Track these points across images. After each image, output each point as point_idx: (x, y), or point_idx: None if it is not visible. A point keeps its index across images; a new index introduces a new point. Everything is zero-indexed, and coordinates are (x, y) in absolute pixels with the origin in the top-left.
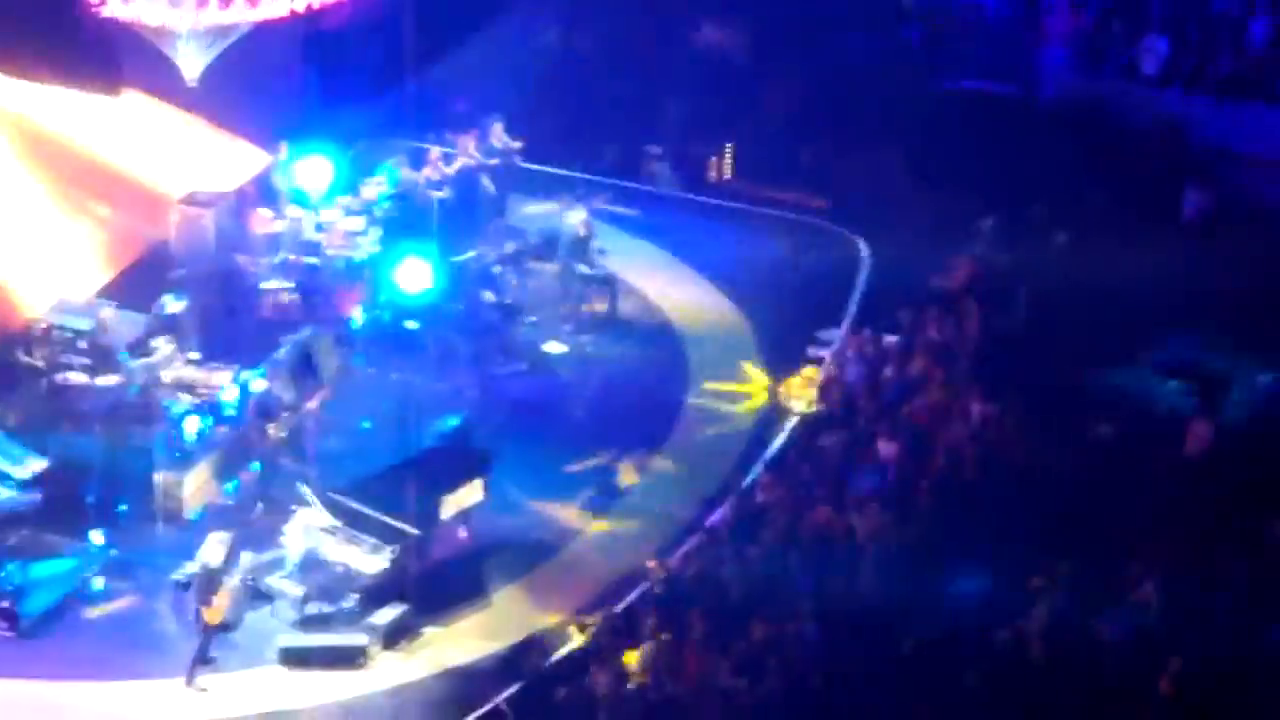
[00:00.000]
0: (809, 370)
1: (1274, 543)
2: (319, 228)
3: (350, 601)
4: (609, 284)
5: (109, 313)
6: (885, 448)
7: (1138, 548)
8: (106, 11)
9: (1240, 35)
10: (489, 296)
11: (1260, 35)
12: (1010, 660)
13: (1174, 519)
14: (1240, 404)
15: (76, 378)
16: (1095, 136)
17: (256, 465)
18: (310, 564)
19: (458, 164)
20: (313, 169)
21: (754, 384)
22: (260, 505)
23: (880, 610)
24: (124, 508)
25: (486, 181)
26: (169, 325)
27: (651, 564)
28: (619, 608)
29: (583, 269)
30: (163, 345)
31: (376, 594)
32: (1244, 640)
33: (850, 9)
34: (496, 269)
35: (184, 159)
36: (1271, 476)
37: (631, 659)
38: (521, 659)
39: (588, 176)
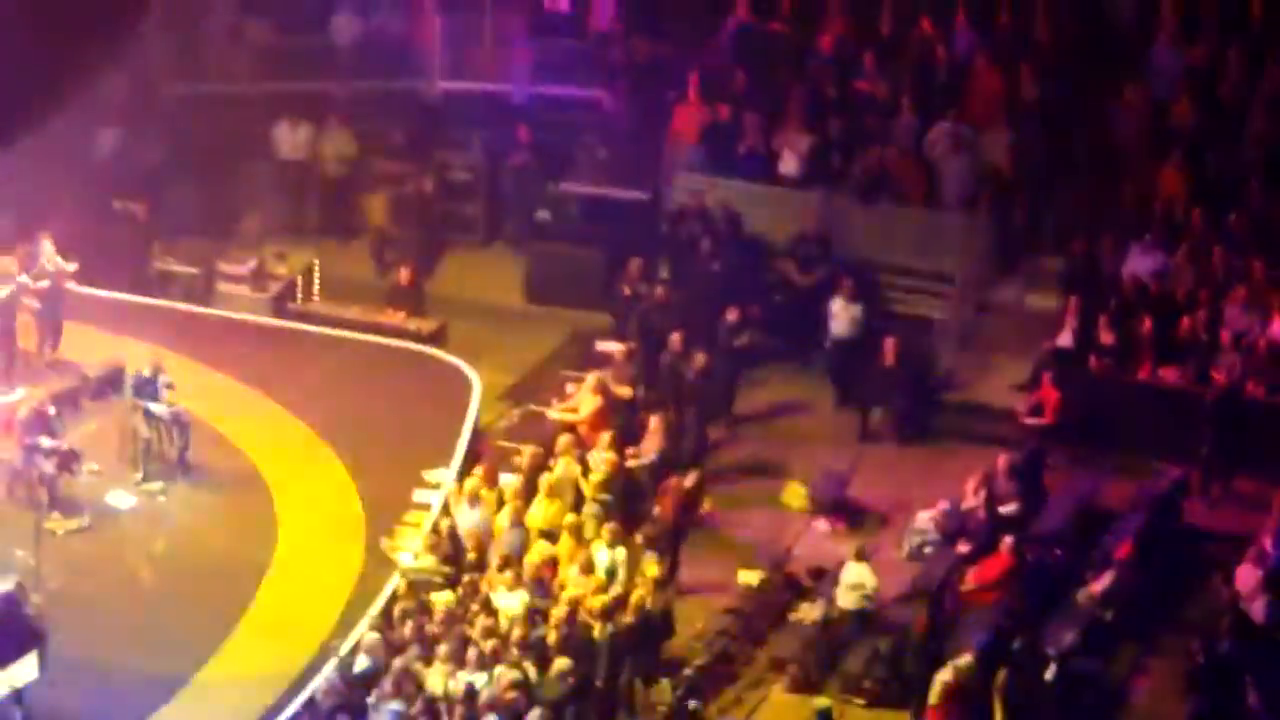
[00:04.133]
0: (414, 517)
1: None
2: None
3: None
4: (180, 425)
5: None
6: (506, 600)
7: None
8: None
9: (888, 131)
10: (55, 437)
11: (909, 130)
12: None
13: None
14: None
15: None
16: (731, 244)
17: None
18: None
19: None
20: None
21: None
22: None
23: None
24: None
25: (34, 307)
26: None
27: None
28: None
29: (151, 407)
30: None
31: None
32: None
33: (457, 110)
34: (50, 410)
35: None
36: None
37: None
38: None
39: (154, 301)
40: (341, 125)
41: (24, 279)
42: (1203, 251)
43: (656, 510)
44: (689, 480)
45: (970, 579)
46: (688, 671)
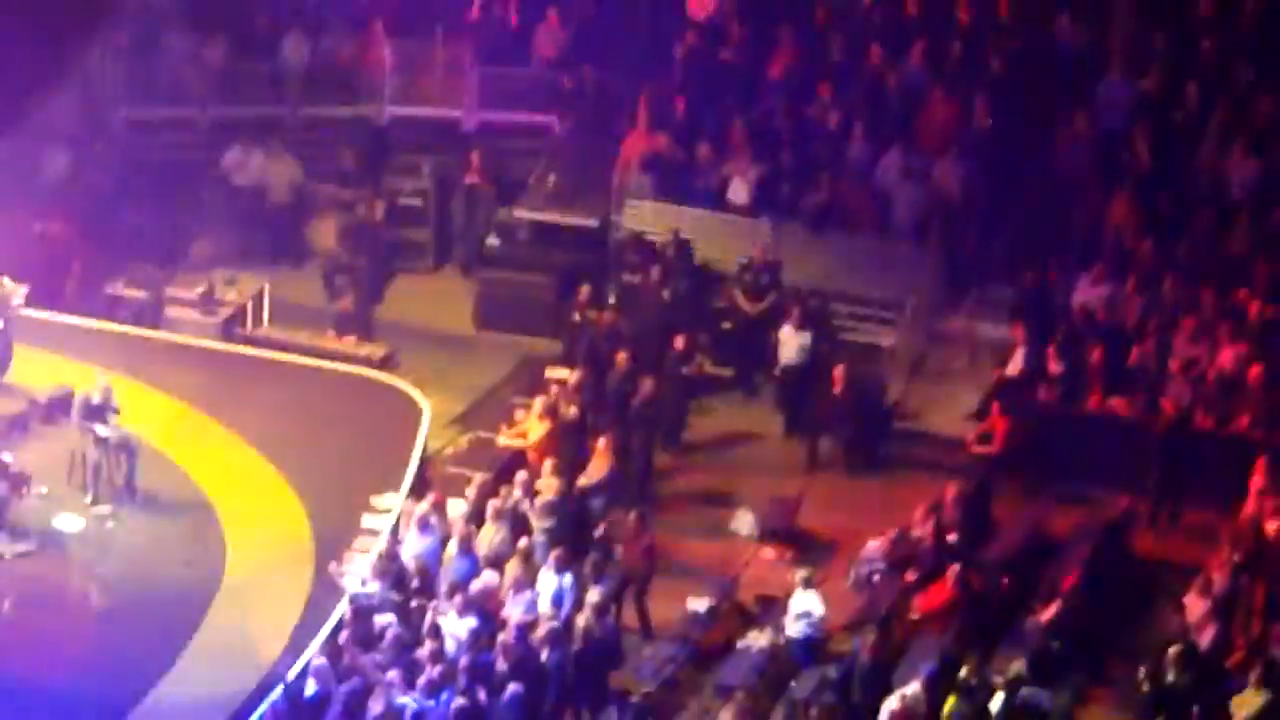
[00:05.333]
0: (363, 543)
1: None
2: None
3: None
4: (129, 449)
5: None
6: (454, 627)
7: None
8: None
9: (839, 159)
10: (5, 459)
11: (859, 158)
12: None
13: None
14: None
15: None
16: (681, 271)
17: None
18: None
19: None
20: None
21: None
22: None
23: None
24: None
25: None
26: None
27: None
28: None
29: (100, 432)
30: None
31: None
32: None
33: (407, 135)
34: None
35: None
36: None
37: None
38: None
39: (103, 325)
40: (288, 151)
41: None
42: (1152, 281)
43: (621, 561)
44: (634, 521)
45: (916, 607)
46: (635, 699)
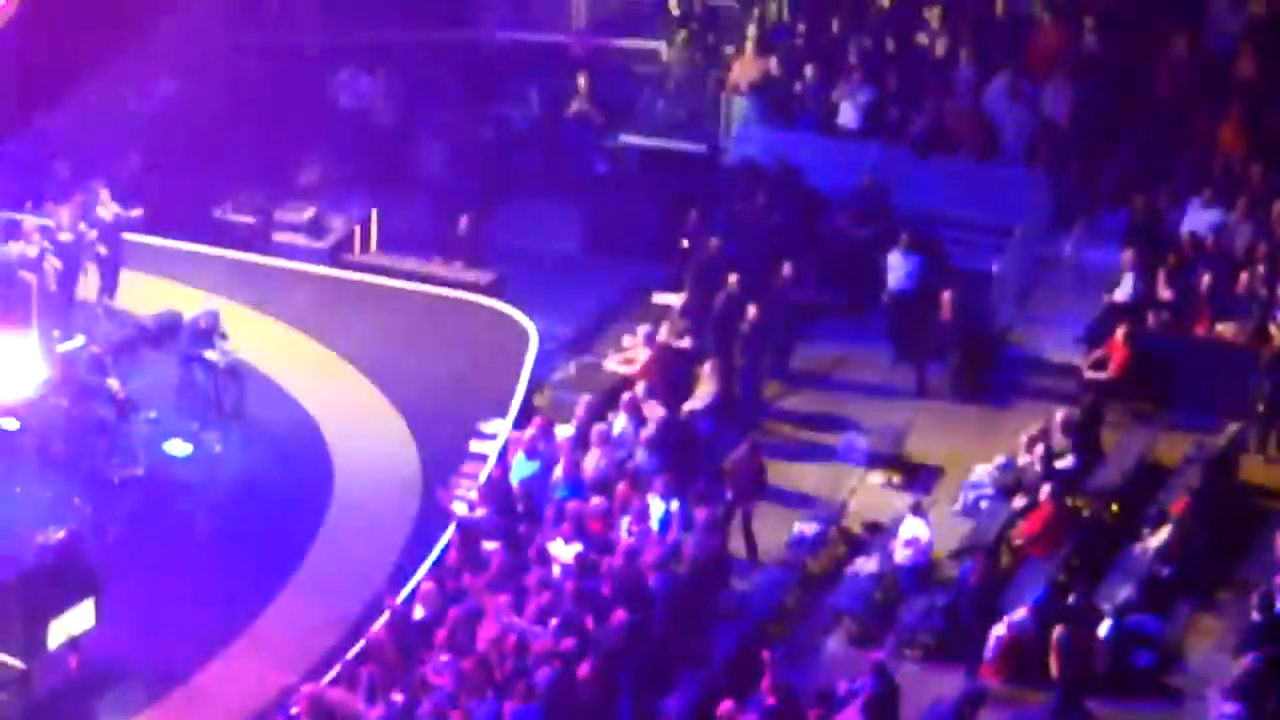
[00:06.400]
0: (471, 468)
1: None
2: None
3: None
4: (237, 374)
5: None
6: (561, 552)
7: None
8: None
9: (947, 84)
10: (113, 385)
11: (967, 83)
12: None
13: None
14: None
15: None
16: (789, 196)
17: None
18: None
19: (59, 238)
20: None
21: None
22: None
23: None
24: None
25: (92, 258)
26: None
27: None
28: None
29: (208, 357)
30: None
31: None
32: None
33: (516, 60)
34: (108, 358)
35: None
36: None
37: None
38: None
39: (211, 250)
40: (396, 76)
41: (83, 228)
42: (1261, 207)
43: (728, 485)
44: (742, 446)
45: (1020, 533)
46: (742, 625)
